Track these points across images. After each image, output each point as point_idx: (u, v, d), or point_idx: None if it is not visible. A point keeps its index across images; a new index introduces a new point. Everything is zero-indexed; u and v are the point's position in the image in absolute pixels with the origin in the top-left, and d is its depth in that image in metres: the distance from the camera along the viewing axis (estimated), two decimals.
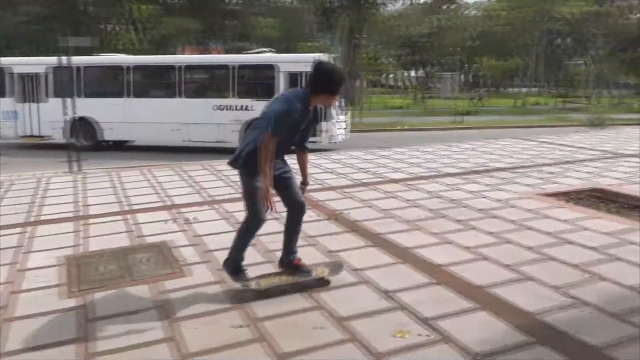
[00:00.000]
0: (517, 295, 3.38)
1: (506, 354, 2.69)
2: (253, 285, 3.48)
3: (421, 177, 7.14)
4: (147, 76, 14.57)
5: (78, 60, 12.89)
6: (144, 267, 4.00)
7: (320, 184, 6.81)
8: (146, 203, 6.05)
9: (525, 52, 42.64)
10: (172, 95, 13.78)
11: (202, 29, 28.28)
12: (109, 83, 14.84)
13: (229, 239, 4.52)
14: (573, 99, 40.78)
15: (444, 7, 43.16)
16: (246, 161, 3.29)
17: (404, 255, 4.13)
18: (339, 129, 13.68)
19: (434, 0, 42.44)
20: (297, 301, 3.36)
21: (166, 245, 4.48)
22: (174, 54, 24.16)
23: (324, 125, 13.00)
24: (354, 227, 4.90)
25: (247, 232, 3.50)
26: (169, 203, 6.04)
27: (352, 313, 3.17)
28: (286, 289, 3.50)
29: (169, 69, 14.12)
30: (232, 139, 13.10)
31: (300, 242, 4.47)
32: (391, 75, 50.33)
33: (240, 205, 5.69)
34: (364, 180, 6.99)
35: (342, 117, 13.87)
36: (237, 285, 3.49)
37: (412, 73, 55.69)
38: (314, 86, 3.30)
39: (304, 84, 12.73)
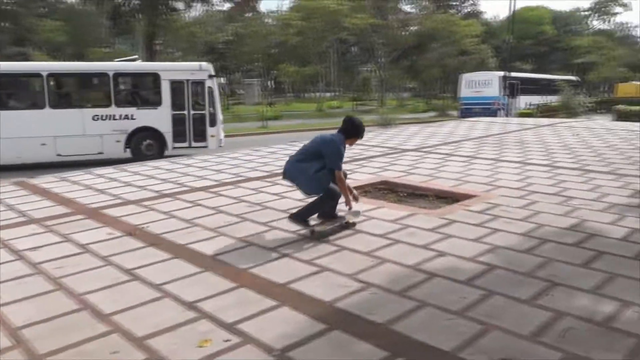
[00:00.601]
0: (315, 287, 3.59)
1: (305, 344, 2.84)
2: (316, 229, 4.71)
3: (226, 183, 7.16)
4: (2, 85, 12.63)
5: None
6: None
7: (119, 199, 6.38)
8: None
9: (322, 60, 45.76)
10: (39, 107, 12.40)
11: None
12: None
13: (5, 271, 4.00)
14: (365, 102, 44.97)
15: (246, 15, 44.06)
16: (324, 187, 4.71)
17: (209, 263, 4.09)
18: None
19: (232, 7, 43.02)
20: (89, 327, 3.09)
21: None
22: None
23: (212, 130, 13.77)
24: (155, 240, 4.69)
25: (327, 201, 4.76)
26: None
27: (153, 330, 3.03)
28: (330, 231, 4.76)
29: (32, 76, 12.93)
30: (116, 150, 12.95)
31: (94, 263, 4.16)
32: None
33: (20, 232, 5.08)
34: (166, 191, 6.74)
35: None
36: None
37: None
38: (349, 133, 4.88)
39: (188, 92, 13.00)
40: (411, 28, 45.39)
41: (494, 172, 7.53)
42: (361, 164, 8.52)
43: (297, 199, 6.13)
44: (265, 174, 7.84)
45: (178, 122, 13.46)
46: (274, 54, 45.55)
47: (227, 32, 38.39)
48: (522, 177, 7.20)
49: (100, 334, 3.02)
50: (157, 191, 6.76)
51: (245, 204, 5.98)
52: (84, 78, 13.74)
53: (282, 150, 10.53)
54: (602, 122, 16.76)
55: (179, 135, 13.51)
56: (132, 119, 13.02)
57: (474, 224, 4.96)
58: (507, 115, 25.68)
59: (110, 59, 28.10)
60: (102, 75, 13.09)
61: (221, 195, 6.45)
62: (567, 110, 23.65)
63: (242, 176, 7.70)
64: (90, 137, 12.66)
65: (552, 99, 28.61)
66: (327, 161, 4.69)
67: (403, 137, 12.52)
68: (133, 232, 4.94)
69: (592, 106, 25.59)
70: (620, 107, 19.55)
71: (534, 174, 7.37)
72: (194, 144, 13.57)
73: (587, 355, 2.69)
